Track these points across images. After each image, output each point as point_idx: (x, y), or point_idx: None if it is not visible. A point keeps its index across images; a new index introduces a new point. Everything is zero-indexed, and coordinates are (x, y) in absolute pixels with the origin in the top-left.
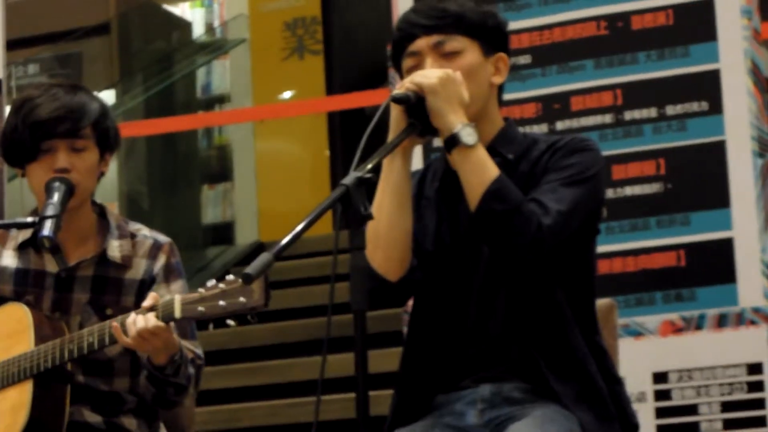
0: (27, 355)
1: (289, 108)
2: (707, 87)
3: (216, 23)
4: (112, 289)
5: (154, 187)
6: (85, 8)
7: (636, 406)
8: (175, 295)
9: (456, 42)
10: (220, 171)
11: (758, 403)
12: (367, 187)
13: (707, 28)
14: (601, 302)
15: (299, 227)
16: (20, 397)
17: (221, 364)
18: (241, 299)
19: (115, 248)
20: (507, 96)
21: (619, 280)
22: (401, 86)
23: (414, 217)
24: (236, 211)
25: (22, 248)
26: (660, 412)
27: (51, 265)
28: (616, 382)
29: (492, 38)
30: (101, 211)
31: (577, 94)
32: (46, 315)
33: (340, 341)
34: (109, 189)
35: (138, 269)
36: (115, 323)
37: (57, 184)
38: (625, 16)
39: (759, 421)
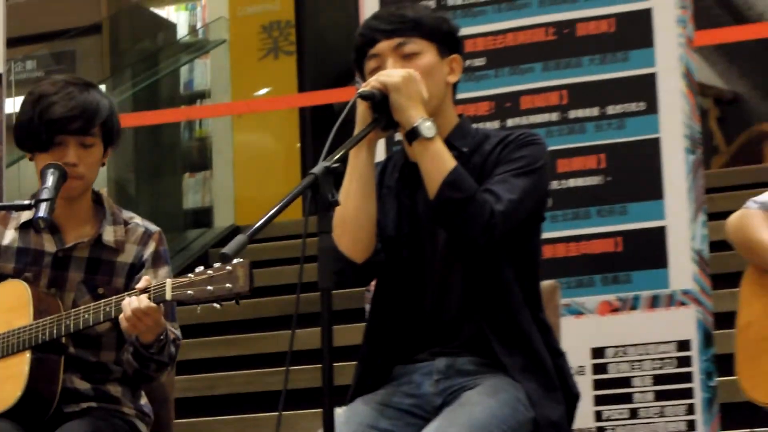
0: (26, 328)
1: (265, 104)
2: (645, 89)
3: (198, 25)
4: (105, 270)
5: (140, 174)
6: (78, 10)
7: (576, 379)
8: (167, 279)
9: (415, 44)
10: (200, 160)
11: (686, 377)
12: (335, 176)
13: (645, 36)
14: (546, 283)
15: (271, 212)
16: (19, 366)
17: (200, 336)
18: (228, 285)
19: (109, 233)
20: (463, 95)
21: (562, 264)
22: (367, 84)
23: (378, 205)
24: (214, 197)
25: (23, 228)
26: (597, 384)
27: (50, 245)
28: (559, 356)
29: (447, 41)
30: (98, 199)
31: (527, 94)
32: (43, 291)
33: (309, 317)
34: (99, 175)
35: (129, 254)
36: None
37: (51, 170)
38: (571, 24)
39: (687, 393)
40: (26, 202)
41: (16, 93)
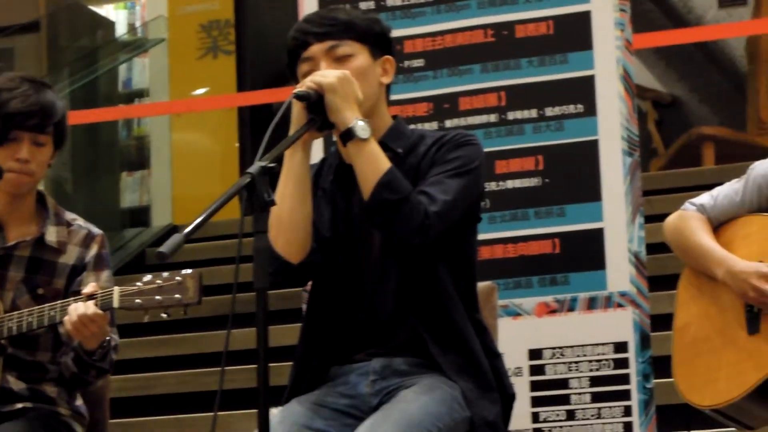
0: None
1: (203, 103)
2: (583, 91)
3: (137, 24)
4: (46, 271)
5: (77, 173)
6: (16, 7)
7: (513, 380)
8: (114, 287)
9: (347, 46)
10: (138, 159)
11: (623, 379)
12: (271, 176)
13: (584, 38)
14: (483, 285)
15: (207, 212)
16: None
17: (136, 336)
18: (177, 296)
19: (52, 233)
20: (401, 96)
21: (500, 265)
22: (302, 85)
23: (313, 206)
24: (152, 196)
25: None
26: (535, 386)
27: None
28: (495, 357)
29: (379, 42)
30: (41, 198)
31: (465, 95)
32: None
33: (244, 317)
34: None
35: (71, 255)
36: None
37: None
38: (510, 26)
39: (624, 395)
40: None
41: None
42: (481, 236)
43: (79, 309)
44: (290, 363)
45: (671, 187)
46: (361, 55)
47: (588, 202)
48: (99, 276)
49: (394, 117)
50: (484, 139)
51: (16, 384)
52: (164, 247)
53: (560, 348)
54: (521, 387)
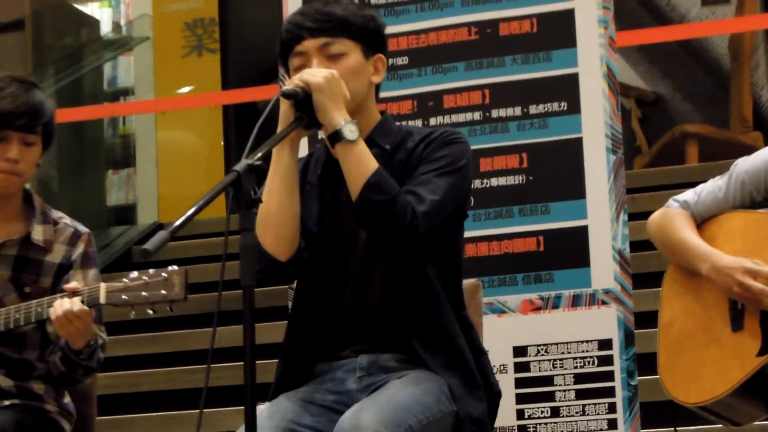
0: None
1: (188, 101)
2: (567, 89)
3: (122, 22)
4: (32, 270)
5: (63, 171)
6: (0, 5)
7: (498, 377)
8: (101, 283)
9: (341, 45)
10: (124, 157)
11: (608, 376)
12: (257, 173)
13: (567, 36)
14: (468, 282)
15: (193, 209)
16: None
17: (123, 333)
18: (163, 292)
19: (38, 232)
20: (386, 93)
21: (485, 263)
22: (290, 83)
23: (301, 202)
24: (138, 194)
25: None
26: (519, 383)
27: None
28: (481, 354)
29: (372, 41)
30: (28, 197)
31: (450, 93)
32: None
33: (231, 314)
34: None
35: (58, 254)
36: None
37: None
38: (494, 24)
39: (608, 392)
40: None
41: None
42: (465, 234)
43: (64, 305)
44: (276, 360)
45: (655, 185)
46: (353, 54)
47: (572, 200)
48: (86, 274)
49: (382, 113)
50: (469, 136)
51: (3, 381)
52: (149, 245)
53: (545, 345)
54: (506, 384)
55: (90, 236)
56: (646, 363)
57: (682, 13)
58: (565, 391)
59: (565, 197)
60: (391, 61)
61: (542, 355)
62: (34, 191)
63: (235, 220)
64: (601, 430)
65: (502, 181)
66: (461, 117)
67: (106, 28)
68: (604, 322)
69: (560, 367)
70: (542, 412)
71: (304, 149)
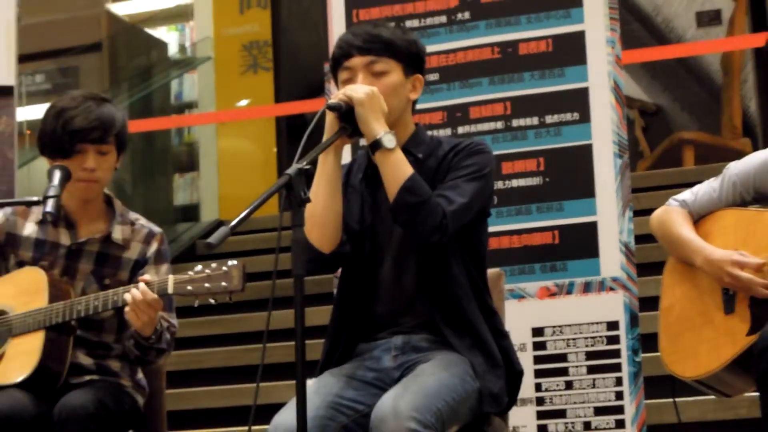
0: (42, 311)
1: (245, 113)
2: (578, 101)
3: (187, 44)
4: (112, 264)
5: (135, 175)
6: (81, 30)
7: (519, 355)
8: (169, 275)
9: (384, 64)
10: (189, 163)
11: (615, 353)
12: (306, 176)
13: (579, 54)
14: (492, 271)
15: (250, 207)
16: (33, 343)
17: (189, 317)
18: (223, 284)
19: (118, 232)
20: (419, 105)
21: (507, 254)
22: (335, 97)
23: (343, 201)
24: (201, 195)
25: (42, 222)
26: (537, 359)
27: (65, 239)
28: (503, 337)
29: (413, 62)
30: (109, 200)
31: (475, 105)
32: (57, 278)
33: (283, 300)
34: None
35: (134, 251)
36: (126, 294)
37: (57, 170)
38: (514, 44)
39: (615, 368)
40: (35, 198)
41: (26, 103)
42: (489, 229)
43: (137, 294)
44: (323, 340)
45: (656, 186)
46: (394, 73)
47: (583, 199)
48: (159, 269)
49: (416, 124)
50: (492, 143)
51: (84, 359)
52: (212, 239)
53: (560, 326)
54: (525, 361)
55: (163, 236)
56: (648, 342)
57: (679, 34)
58: (577, 366)
59: (577, 196)
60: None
61: (557, 335)
62: (111, 192)
63: (287, 217)
64: (609, 401)
65: (521, 182)
66: (485, 126)
67: (173, 50)
68: (611, 306)
69: (573, 345)
70: (557, 385)
71: (347, 156)
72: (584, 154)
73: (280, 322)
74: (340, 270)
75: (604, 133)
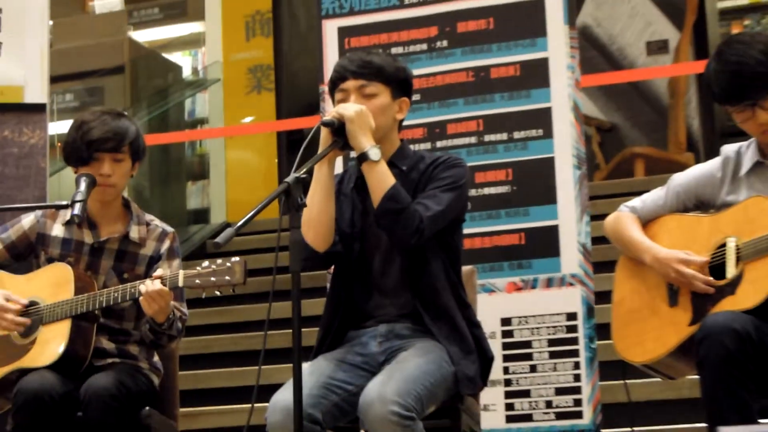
0: (68, 301)
1: (250, 128)
2: (542, 119)
3: (199, 67)
4: (130, 260)
5: (153, 182)
6: (106, 55)
7: (489, 342)
8: (180, 270)
9: (374, 87)
10: (200, 172)
11: (574, 341)
12: (303, 184)
13: (543, 78)
14: (466, 268)
15: (253, 211)
16: (61, 330)
17: (199, 307)
18: (227, 278)
19: (135, 231)
20: (403, 124)
21: (479, 253)
22: (329, 114)
23: (336, 207)
24: (211, 200)
25: (68, 224)
26: (505, 346)
27: (88, 238)
28: (475, 327)
29: (400, 87)
30: (127, 203)
31: (452, 122)
32: (82, 273)
33: (282, 293)
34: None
35: (149, 248)
36: (142, 285)
37: (83, 177)
38: (486, 69)
39: (574, 353)
40: (64, 202)
41: (57, 119)
42: (464, 231)
43: (150, 286)
44: (317, 328)
45: (610, 194)
46: (383, 96)
47: (546, 205)
48: (171, 264)
49: (402, 141)
50: (466, 156)
51: (107, 344)
52: (220, 239)
53: (525, 317)
54: (495, 347)
55: (175, 235)
56: (603, 331)
57: (631, 61)
58: (540, 352)
59: (541, 202)
60: None
61: (523, 325)
62: (131, 198)
63: (286, 220)
64: (568, 382)
65: (492, 190)
66: (461, 141)
67: (186, 72)
68: (570, 299)
69: (537, 334)
70: (523, 368)
71: (339, 166)
72: (547, 166)
73: (279, 312)
74: (332, 267)
75: (564, 147)
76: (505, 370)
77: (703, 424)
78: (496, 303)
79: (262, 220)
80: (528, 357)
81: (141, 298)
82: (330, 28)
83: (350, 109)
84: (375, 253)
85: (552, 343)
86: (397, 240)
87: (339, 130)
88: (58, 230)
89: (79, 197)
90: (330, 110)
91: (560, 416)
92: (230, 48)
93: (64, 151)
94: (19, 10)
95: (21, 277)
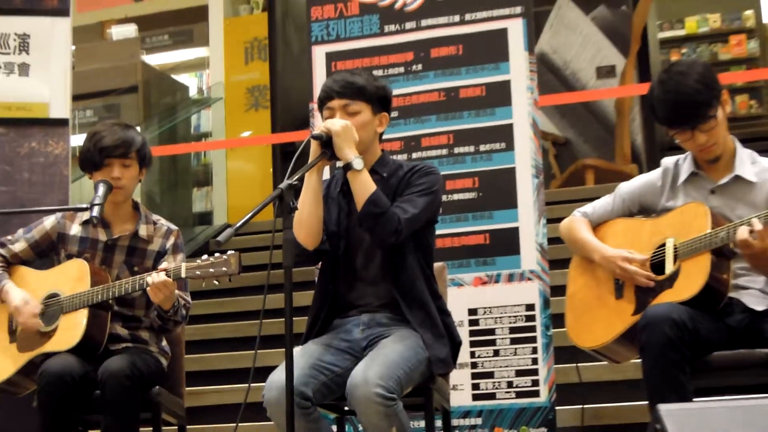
0: (85, 293)
1: (248, 141)
2: (505, 134)
3: (204, 87)
4: (139, 255)
5: (163, 188)
6: (122, 76)
7: (458, 329)
8: (182, 263)
9: (356, 105)
10: (204, 179)
11: (532, 329)
12: (295, 190)
13: (506, 98)
14: (438, 265)
15: (250, 214)
16: (79, 319)
17: (203, 298)
18: (224, 269)
19: (143, 230)
20: (384, 136)
21: (449, 252)
22: (318, 129)
23: (324, 210)
24: (214, 204)
25: (84, 224)
26: (472, 333)
27: (102, 236)
28: (446, 315)
29: (380, 103)
30: (136, 205)
31: (426, 136)
32: (97, 267)
33: (276, 286)
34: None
35: (156, 244)
36: (149, 277)
37: (102, 183)
38: (456, 89)
39: (532, 340)
40: (84, 205)
41: (78, 132)
42: (437, 232)
43: (156, 278)
44: (306, 317)
45: (564, 200)
46: (365, 112)
47: (508, 209)
48: (176, 257)
49: (382, 151)
50: (438, 166)
51: (121, 330)
52: (220, 237)
53: (489, 308)
54: (463, 334)
55: (179, 232)
56: (557, 320)
57: (583, 83)
58: (502, 339)
59: (503, 207)
60: None
61: (487, 314)
62: (144, 202)
63: (280, 222)
64: (527, 365)
65: (461, 196)
66: (433, 153)
67: (192, 92)
68: (529, 292)
69: (499, 322)
70: (487, 353)
71: (326, 173)
72: (509, 175)
73: (273, 303)
74: (320, 263)
75: (524, 159)
76: (472, 354)
77: (645, 402)
78: (463, 295)
79: (258, 221)
80: (492, 343)
81: (148, 288)
82: (319, 53)
83: (337, 124)
84: (358, 250)
85: (513, 330)
86: (378, 239)
87: (327, 142)
88: (75, 230)
89: (97, 201)
90: (319, 125)
91: (520, 395)
92: (231, 70)
93: (79, 159)
94: (45, 36)
95: (43, 272)
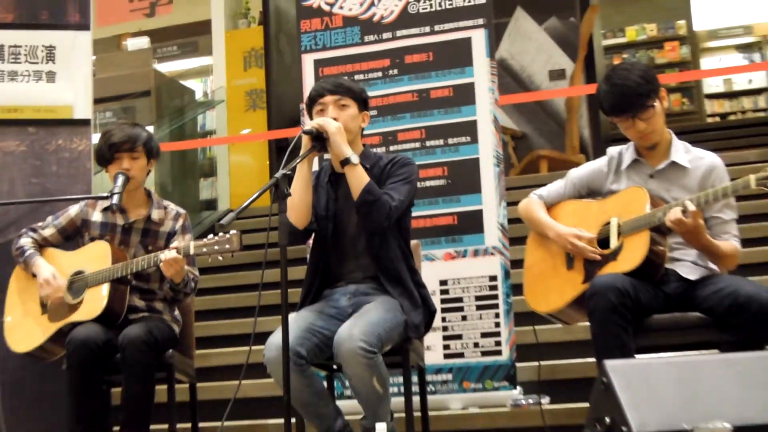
0: (107, 270)
1: (247, 137)
2: (470, 129)
3: (208, 91)
4: (153, 236)
5: (174, 178)
6: (137, 82)
7: (432, 298)
8: (191, 242)
9: (346, 101)
10: (210, 171)
11: (494, 297)
12: (288, 179)
13: (471, 97)
14: (413, 242)
15: (249, 200)
16: (102, 292)
17: (211, 273)
18: (227, 246)
19: (155, 214)
20: (364, 132)
21: (423, 231)
22: (308, 125)
23: (313, 196)
24: (218, 192)
25: (104, 210)
26: (443, 301)
27: (120, 220)
28: (422, 287)
29: (364, 103)
30: (149, 193)
31: (401, 131)
32: (116, 248)
33: (273, 262)
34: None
35: (167, 226)
36: (162, 254)
37: (120, 175)
38: (427, 91)
39: (495, 306)
40: (105, 194)
41: (99, 131)
42: (412, 214)
43: (168, 254)
44: (300, 288)
45: (522, 185)
46: (353, 108)
47: (473, 194)
48: (184, 237)
49: (364, 145)
50: (414, 158)
51: (138, 302)
52: (223, 221)
53: (458, 279)
54: (435, 302)
55: (186, 215)
56: (517, 289)
57: (537, 85)
58: (469, 306)
59: (469, 192)
60: None
61: (456, 285)
62: (157, 191)
63: (275, 206)
64: (491, 328)
65: (432, 183)
66: (408, 146)
67: (198, 95)
68: (492, 266)
69: (467, 291)
70: (456, 318)
71: (315, 165)
72: (474, 165)
73: (271, 277)
74: (311, 240)
75: (487, 150)
76: (443, 319)
77: (593, 359)
78: (436, 268)
79: (257, 206)
80: (460, 309)
81: (161, 264)
82: (308, 61)
83: (333, 125)
84: (345, 230)
85: (478, 298)
86: (373, 223)
87: (317, 137)
88: (97, 216)
89: (117, 190)
90: (309, 122)
91: (485, 354)
92: (232, 76)
93: (95, 155)
94: (69, 47)
95: (70, 253)
